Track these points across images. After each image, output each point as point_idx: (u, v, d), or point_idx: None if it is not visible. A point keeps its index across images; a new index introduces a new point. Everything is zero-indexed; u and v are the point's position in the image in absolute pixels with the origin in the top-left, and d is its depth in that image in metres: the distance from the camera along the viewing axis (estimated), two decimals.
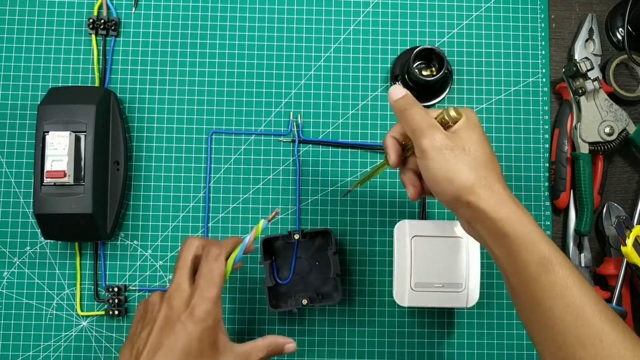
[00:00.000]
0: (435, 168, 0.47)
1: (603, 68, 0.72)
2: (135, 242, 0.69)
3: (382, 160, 0.56)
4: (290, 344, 0.55)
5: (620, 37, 0.72)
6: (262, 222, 0.54)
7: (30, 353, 0.67)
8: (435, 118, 0.49)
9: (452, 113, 0.48)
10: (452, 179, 0.46)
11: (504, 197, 0.46)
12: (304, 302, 0.64)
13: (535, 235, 0.45)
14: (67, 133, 0.62)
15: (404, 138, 0.53)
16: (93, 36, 0.71)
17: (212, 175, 0.70)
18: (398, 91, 0.52)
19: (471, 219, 0.48)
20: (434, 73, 0.69)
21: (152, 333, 0.50)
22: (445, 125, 0.49)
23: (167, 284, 0.68)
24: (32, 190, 0.68)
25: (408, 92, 0.51)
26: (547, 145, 0.71)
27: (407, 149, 0.53)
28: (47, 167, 0.62)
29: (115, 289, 0.68)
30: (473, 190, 0.46)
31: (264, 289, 0.65)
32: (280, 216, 0.69)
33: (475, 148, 0.47)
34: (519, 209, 0.46)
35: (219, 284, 0.51)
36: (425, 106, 0.71)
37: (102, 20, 0.70)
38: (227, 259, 0.53)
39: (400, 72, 0.71)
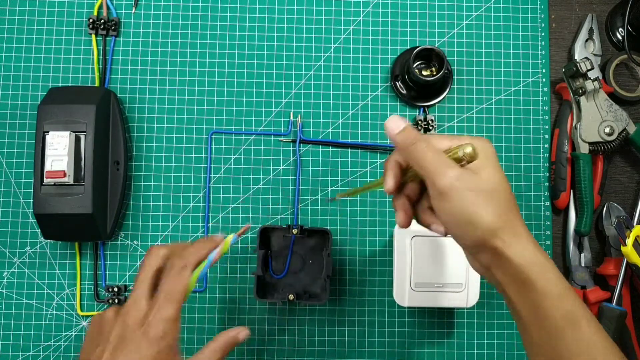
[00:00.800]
0: (457, 211, 0.42)
1: (603, 68, 0.72)
2: (135, 242, 0.69)
3: (379, 179, 0.51)
4: (242, 332, 0.52)
5: (620, 37, 0.72)
6: (231, 236, 0.51)
7: (30, 353, 0.67)
8: (447, 153, 0.44)
9: (469, 150, 0.43)
10: (477, 222, 0.42)
11: (527, 242, 0.43)
12: (291, 297, 0.64)
13: (561, 288, 0.43)
14: (67, 133, 0.62)
15: (408, 164, 0.47)
16: (93, 36, 0.71)
17: (212, 175, 0.70)
18: (397, 123, 0.45)
19: (492, 265, 0.44)
20: (434, 73, 0.69)
21: (104, 353, 0.46)
22: (459, 162, 0.44)
23: None
24: (32, 190, 0.68)
25: (408, 123, 0.45)
26: (547, 145, 0.71)
27: (406, 173, 0.48)
28: (47, 167, 0.62)
29: (115, 289, 0.68)
30: (498, 235, 0.42)
31: (253, 278, 0.65)
32: (281, 215, 0.69)
33: (498, 188, 0.43)
34: (541, 254, 0.43)
35: (180, 301, 0.48)
36: (424, 106, 0.71)
37: (102, 20, 0.70)
38: (193, 271, 0.49)
39: (400, 72, 0.71)
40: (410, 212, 0.48)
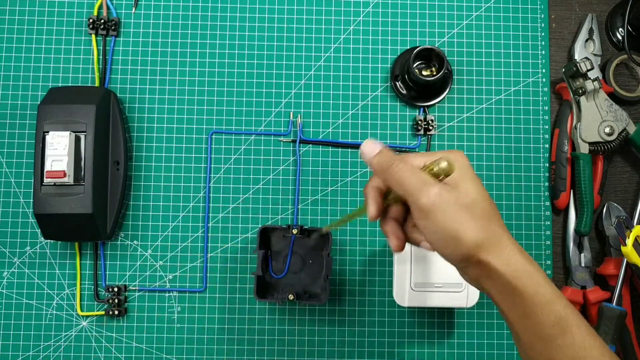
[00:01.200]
0: (441, 228, 0.42)
1: (603, 68, 0.72)
2: (135, 242, 0.69)
3: (360, 207, 0.51)
4: None
5: (620, 37, 0.72)
6: None
7: (30, 353, 0.67)
8: (424, 170, 0.44)
9: (444, 164, 0.43)
10: (460, 238, 0.42)
11: (513, 250, 0.43)
12: (290, 297, 0.64)
13: (549, 294, 0.43)
14: (67, 133, 0.62)
15: (387, 187, 0.47)
16: (93, 36, 0.71)
17: (212, 175, 0.70)
18: (372, 146, 0.46)
19: (479, 277, 0.44)
20: (434, 73, 0.69)
21: None
22: (436, 177, 0.44)
23: (167, 284, 0.68)
24: (32, 190, 0.68)
25: (383, 145, 0.46)
26: (547, 145, 0.71)
27: (388, 196, 0.47)
28: (47, 167, 0.62)
29: (115, 289, 0.68)
30: (483, 248, 0.42)
31: (253, 278, 0.65)
32: (281, 215, 0.70)
33: (477, 201, 0.43)
34: (527, 262, 0.43)
35: None
36: (424, 106, 0.71)
37: (102, 20, 0.70)
38: None
39: (400, 72, 0.71)
40: (402, 235, 0.47)
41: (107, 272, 0.69)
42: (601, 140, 0.68)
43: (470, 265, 0.44)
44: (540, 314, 0.42)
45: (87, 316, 0.68)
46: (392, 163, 0.44)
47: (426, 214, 0.42)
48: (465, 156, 0.46)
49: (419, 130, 0.70)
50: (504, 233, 0.44)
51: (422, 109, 0.71)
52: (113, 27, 0.71)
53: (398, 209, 0.47)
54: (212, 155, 0.70)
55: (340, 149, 0.71)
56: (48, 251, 0.69)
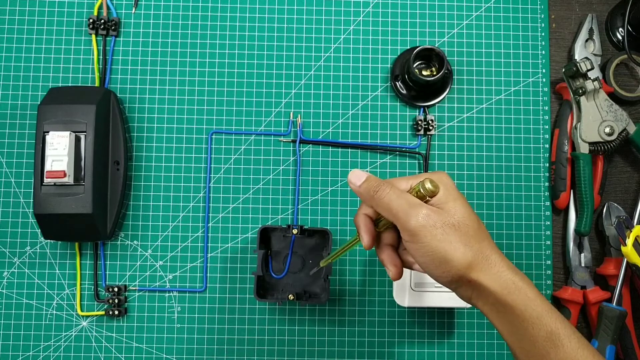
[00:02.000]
0: (430, 251, 0.43)
1: (603, 68, 0.72)
2: (135, 242, 0.69)
3: (354, 237, 0.51)
4: None
5: (620, 37, 0.72)
6: None
7: (30, 353, 0.67)
8: (410, 192, 0.45)
9: (428, 185, 0.44)
10: (450, 259, 0.43)
11: (502, 267, 0.44)
12: (291, 297, 0.64)
13: (539, 308, 0.43)
14: (67, 133, 0.62)
15: (377, 214, 0.48)
16: (93, 36, 0.71)
17: (212, 175, 0.70)
18: (358, 175, 0.47)
19: (472, 297, 0.45)
20: (434, 73, 0.69)
21: None
22: (422, 199, 0.45)
23: (167, 284, 0.68)
24: (32, 190, 0.68)
25: (369, 174, 0.47)
26: (547, 145, 0.71)
27: (379, 223, 0.48)
28: (47, 167, 0.62)
29: (115, 289, 0.68)
30: (472, 268, 0.43)
31: (253, 278, 0.65)
32: (281, 215, 0.70)
33: (464, 220, 0.44)
34: (517, 277, 0.44)
35: None
36: (424, 106, 0.71)
37: (102, 20, 0.70)
38: None
39: (400, 72, 0.71)
40: (399, 262, 0.48)
41: (107, 272, 0.69)
42: (601, 140, 0.68)
43: (461, 285, 0.44)
44: (531, 329, 0.43)
45: (87, 316, 0.68)
46: (379, 189, 0.45)
47: (415, 236, 0.43)
48: (449, 176, 0.47)
49: (419, 130, 0.70)
50: (492, 250, 0.44)
51: (422, 109, 0.71)
52: (113, 27, 0.71)
53: (391, 235, 0.48)
54: (212, 155, 0.70)
55: (340, 149, 0.71)
56: (48, 251, 0.69)
